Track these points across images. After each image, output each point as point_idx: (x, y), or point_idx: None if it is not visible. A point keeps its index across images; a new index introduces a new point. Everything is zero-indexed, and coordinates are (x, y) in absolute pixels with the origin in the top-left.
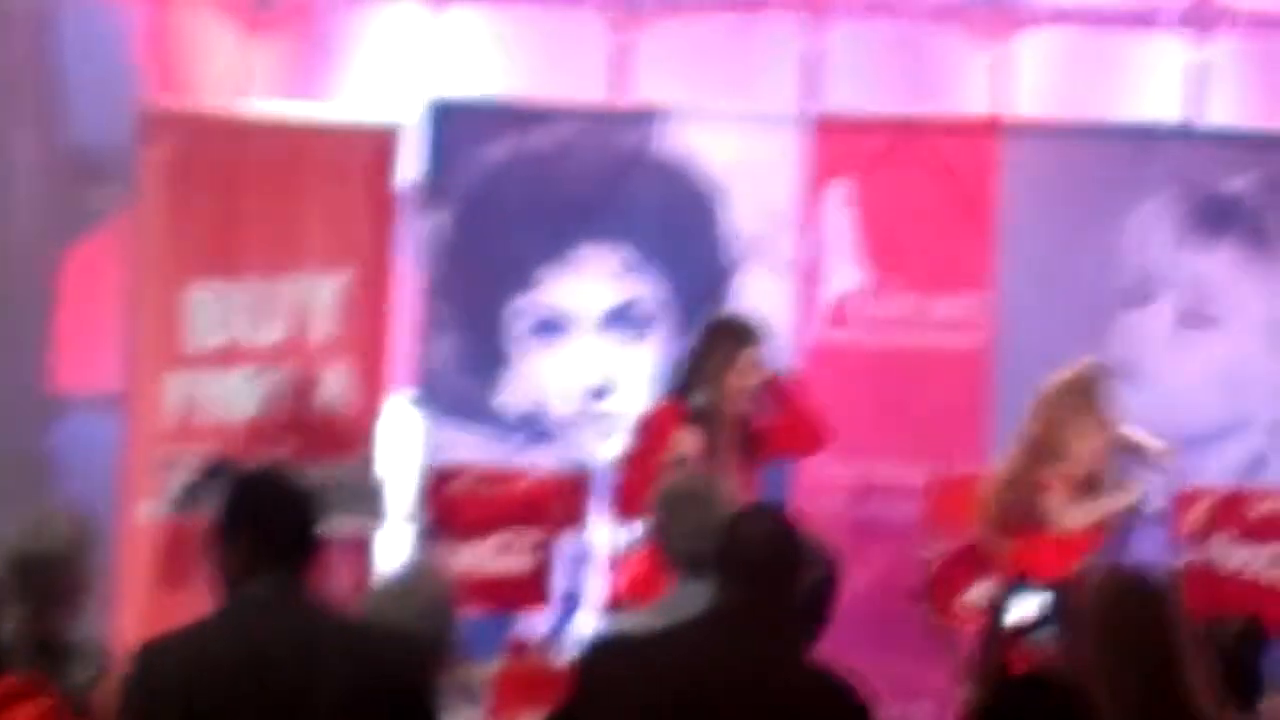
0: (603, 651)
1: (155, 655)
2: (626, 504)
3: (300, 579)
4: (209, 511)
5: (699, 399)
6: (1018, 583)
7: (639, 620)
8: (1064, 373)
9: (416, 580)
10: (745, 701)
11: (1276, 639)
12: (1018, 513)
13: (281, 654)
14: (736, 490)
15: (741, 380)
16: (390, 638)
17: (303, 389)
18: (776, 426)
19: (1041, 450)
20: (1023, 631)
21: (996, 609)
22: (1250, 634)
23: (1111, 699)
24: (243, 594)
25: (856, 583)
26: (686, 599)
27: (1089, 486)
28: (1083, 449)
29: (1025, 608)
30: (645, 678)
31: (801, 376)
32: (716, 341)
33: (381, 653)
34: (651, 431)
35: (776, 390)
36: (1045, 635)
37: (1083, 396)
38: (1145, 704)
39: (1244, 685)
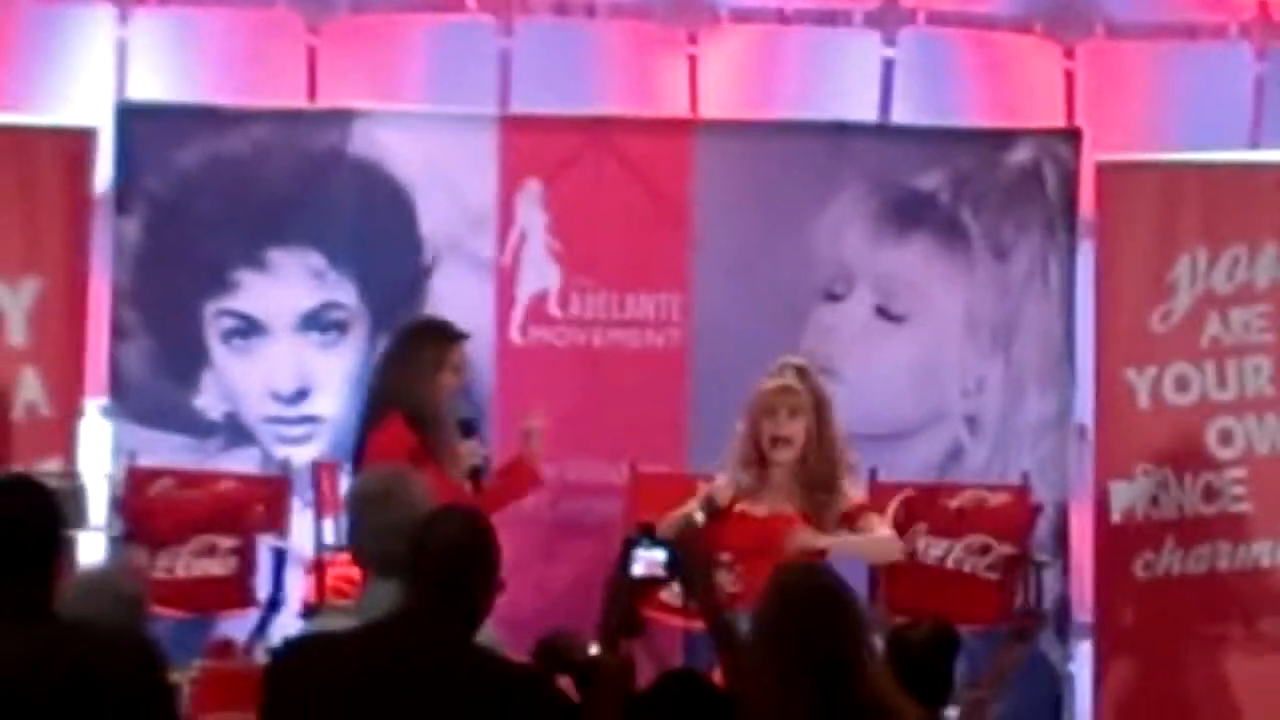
0: (291, 652)
1: None
2: (330, 508)
3: (45, 587)
4: None
5: (414, 401)
6: (642, 535)
7: (334, 621)
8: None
9: (101, 584)
10: (431, 698)
11: (977, 632)
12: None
13: (20, 666)
14: (436, 488)
15: (457, 378)
16: (119, 638)
17: None
18: (498, 476)
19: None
20: (651, 583)
21: (623, 561)
22: (938, 636)
23: (788, 693)
24: None
25: (559, 579)
26: (380, 599)
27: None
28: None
29: (651, 559)
30: (332, 677)
31: (500, 376)
32: (420, 344)
33: (109, 655)
34: (379, 447)
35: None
36: (671, 588)
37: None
38: (824, 699)
39: (932, 687)
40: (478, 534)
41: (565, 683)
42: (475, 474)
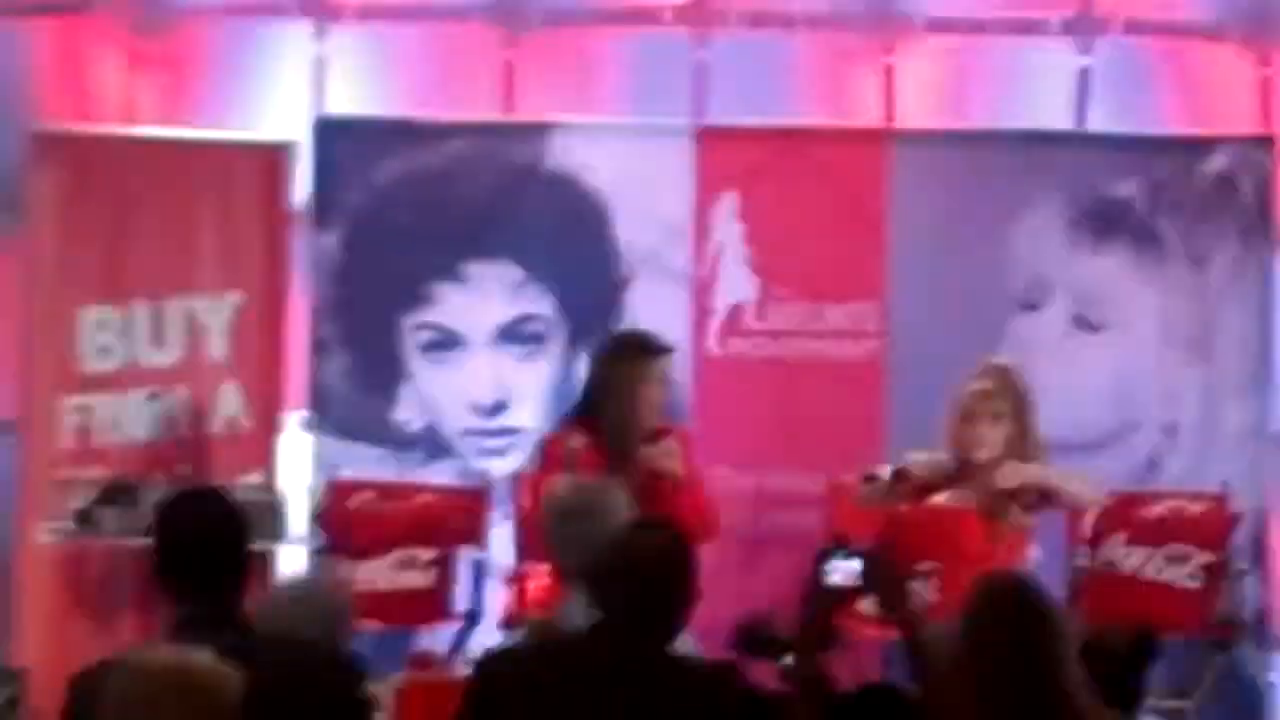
0: (493, 665)
1: (91, 680)
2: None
3: (230, 598)
4: (110, 534)
5: (610, 413)
6: (836, 545)
7: (535, 634)
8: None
9: (309, 593)
10: (634, 708)
11: (1176, 642)
12: None
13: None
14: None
15: (657, 392)
16: (318, 652)
17: (198, 410)
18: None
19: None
20: (845, 594)
21: (817, 571)
22: (1137, 640)
23: (993, 704)
24: (185, 615)
25: (758, 592)
26: (579, 610)
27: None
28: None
29: (846, 570)
30: (534, 690)
31: (698, 388)
32: (623, 355)
33: (321, 671)
34: (554, 453)
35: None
36: (866, 600)
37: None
38: (1028, 710)
39: (1125, 692)
40: (677, 545)
41: (764, 669)
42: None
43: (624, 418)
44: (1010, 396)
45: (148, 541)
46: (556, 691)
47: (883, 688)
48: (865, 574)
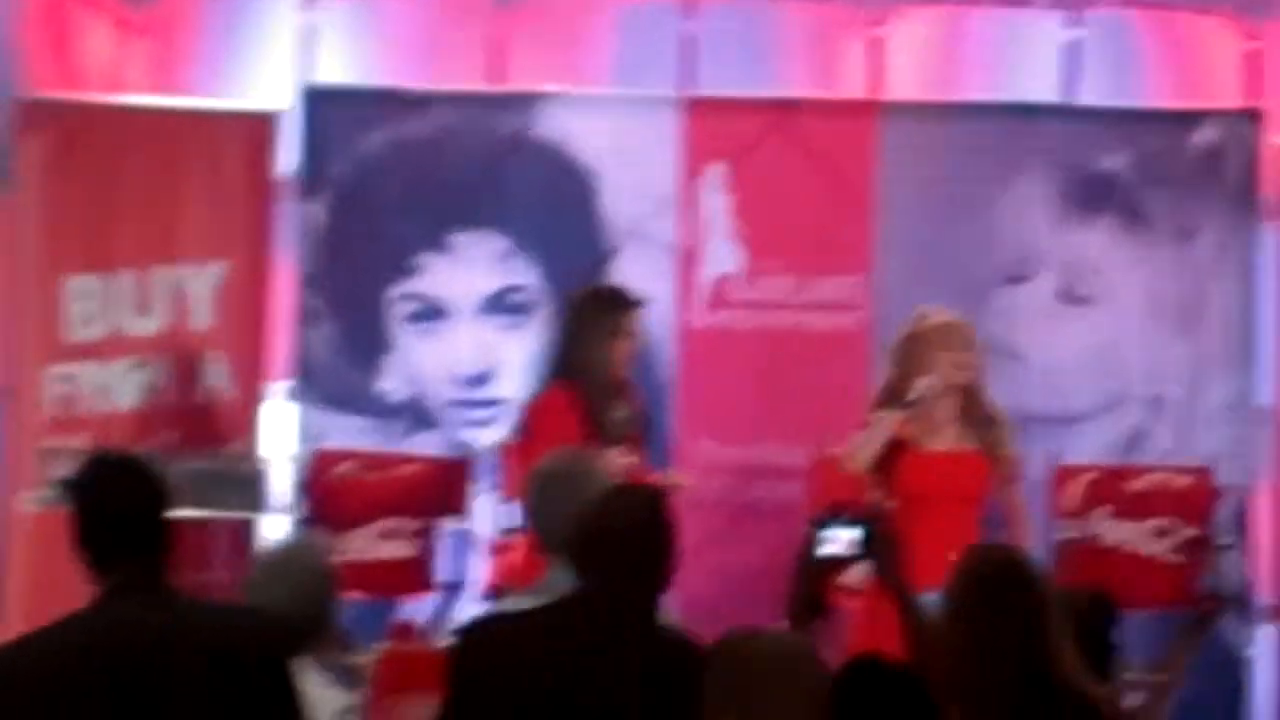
0: (473, 635)
1: (12, 654)
2: (513, 490)
3: (157, 566)
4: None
5: (585, 367)
6: (832, 515)
7: (516, 604)
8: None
9: (292, 559)
10: (615, 675)
11: (1159, 615)
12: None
13: (139, 641)
14: (619, 465)
15: (631, 343)
16: (248, 618)
17: (183, 379)
18: None
19: (894, 396)
20: (837, 564)
21: (810, 542)
22: (1099, 604)
23: (982, 675)
24: (113, 584)
25: (742, 564)
26: (561, 581)
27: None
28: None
29: (839, 541)
30: (515, 659)
31: (683, 359)
32: (595, 311)
33: (238, 634)
34: (537, 416)
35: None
36: (859, 570)
37: (925, 342)
38: (1018, 680)
39: (1098, 655)
40: (656, 513)
41: None
42: (626, 441)
43: (601, 373)
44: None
45: (68, 511)
46: (538, 660)
47: (872, 658)
48: (865, 541)
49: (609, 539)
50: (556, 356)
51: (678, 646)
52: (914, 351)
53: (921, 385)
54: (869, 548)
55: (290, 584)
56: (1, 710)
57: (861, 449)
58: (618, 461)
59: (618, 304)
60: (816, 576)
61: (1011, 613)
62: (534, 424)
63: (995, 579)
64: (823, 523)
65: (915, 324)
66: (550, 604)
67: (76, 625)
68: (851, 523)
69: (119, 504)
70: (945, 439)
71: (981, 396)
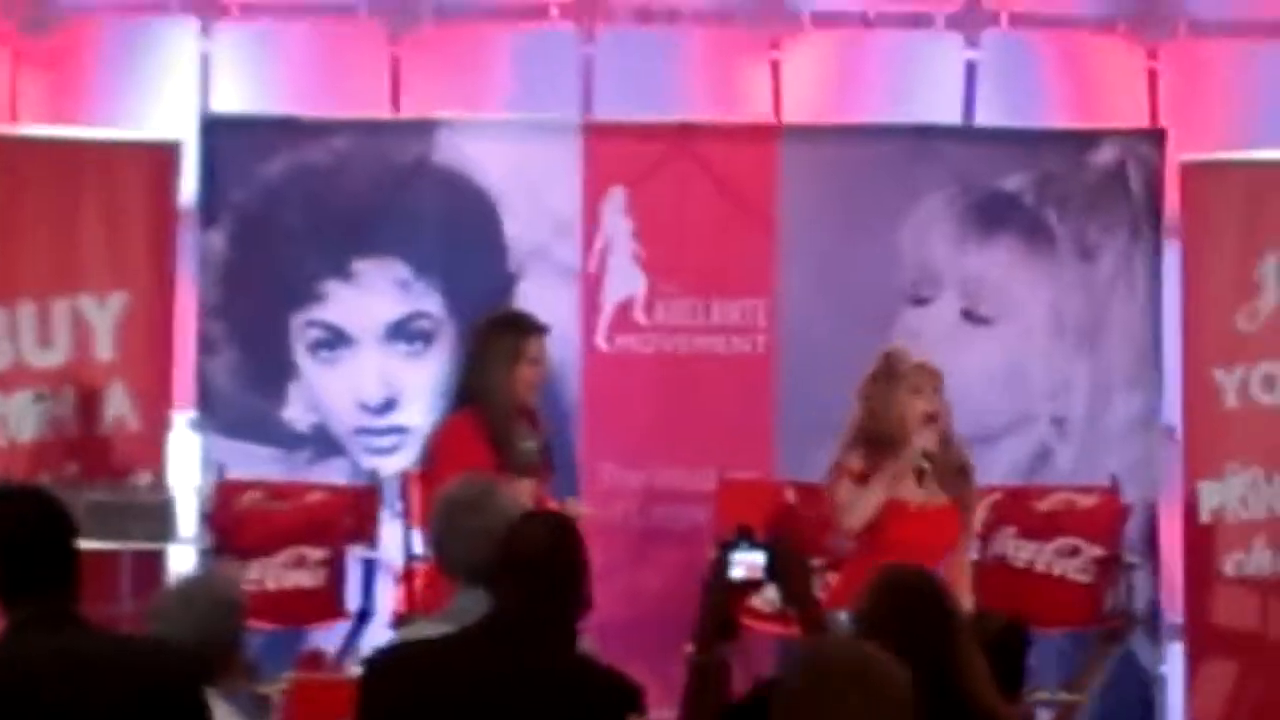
0: (382, 662)
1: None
2: (419, 517)
3: (64, 597)
4: None
5: (488, 393)
6: (740, 537)
7: (424, 630)
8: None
9: (197, 589)
10: (523, 705)
11: (1068, 634)
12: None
13: (48, 673)
14: (524, 493)
15: (535, 369)
16: (159, 649)
17: (86, 410)
18: None
19: (868, 437)
20: (746, 587)
21: (719, 563)
22: (1014, 630)
23: None
24: (22, 618)
25: (649, 587)
26: (469, 606)
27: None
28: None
29: (749, 563)
30: (424, 686)
31: (587, 383)
32: (498, 337)
33: (149, 665)
34: (442, 443)
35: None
36: (769, 593)
37: (897, 384)
38: (928, 695)
39: (1009, 679)
40: (565, 538)
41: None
42: (532, 471)
43: (504, 399)
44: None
45: None
46: (448, 686)
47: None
48: (769, 566)
49: (521, 565)
50: (461, 383)
51: (600, 675)
52: (885, 393)
53: (918, 454)
54: (774, 571)
55: (195, 614)
56: None
57: (854, 511)
58: (525, 490)
59: (520, 329)
60: (726, 600)
61: (922, 628)
62: (439, 451)
63: (905, 595)
64: (730, 545)
65: (886, 364)
66: (460, 630)
67: None
68: (756, 546)
69: (24, 536)
70: (920, 491)
71: (953, 445)
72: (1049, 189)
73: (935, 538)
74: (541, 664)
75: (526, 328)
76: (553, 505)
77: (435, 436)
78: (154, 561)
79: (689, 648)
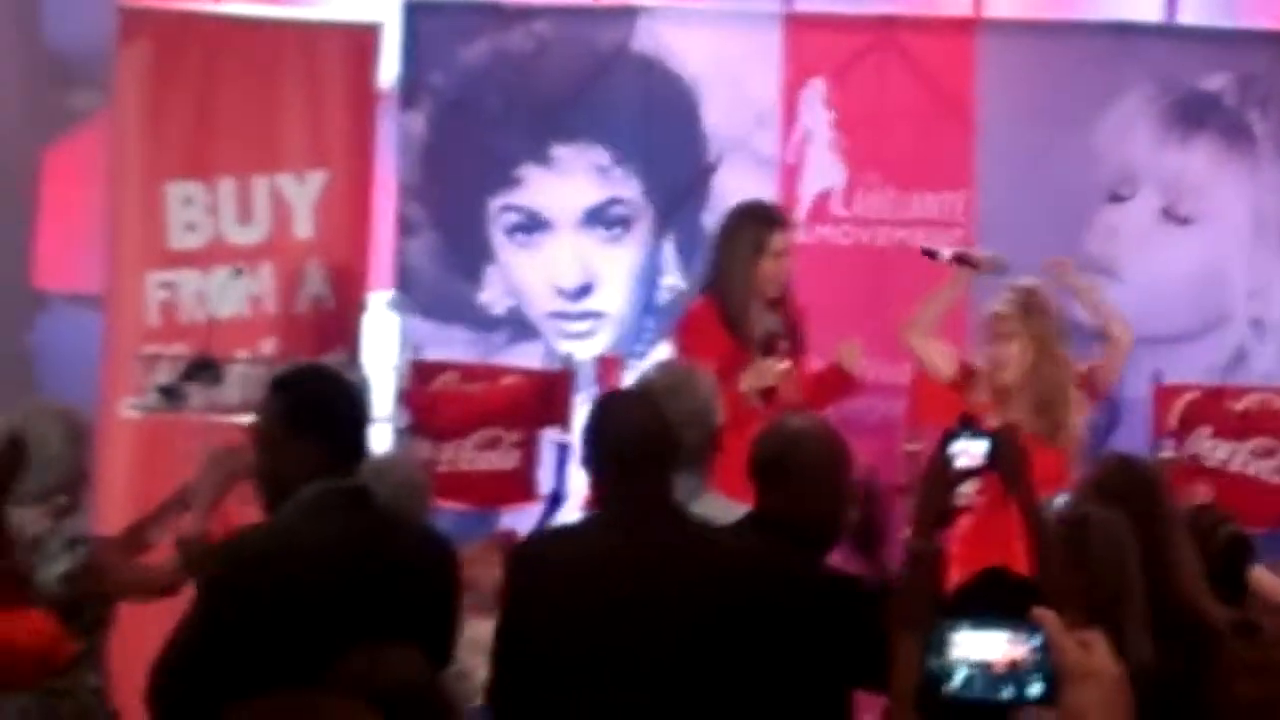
0: (526, 548)
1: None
2: None
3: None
4: (194, 410)
5: (730, 284)
6: (963, 426)
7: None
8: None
9: (389, 468)
10: (652, 583)
11: (1261, 535)
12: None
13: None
14: (769, 373)
15: (778, 262)
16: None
17: (283, 288)
18: (815, 380)
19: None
20: (968, 475)
21: (944, 451)
22: (1240, 541)
23: (1094, 587)
24: (321, 492)
25: None
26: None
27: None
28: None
29: (972, 451)
30: (566, 566)
31: None
32: (742, 228)
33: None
34: (683, 328)
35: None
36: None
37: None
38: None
39: (1234, 588)
40: (649, 413)
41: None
42: (767, 395)
43: (743, 289)
44: (1029, 317)
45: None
46: (575, 567)
47: (997, 570)
48: (991, 454)
49: (610, 445)
50: (708, 269)
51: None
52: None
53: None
54: (996, 459)
55: (386, 492)
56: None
57: (921, 317)
58: (769, 370)
59: (764, 222)
60: (948, 488)
61: (1132, 520)
62: (681, 335)
63: (1117, 488)
64: (953, 434)
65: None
66: (591, 514)
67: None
68: (979, 435)
69: (339, 412)
70: (1001, 416)
71: (1040, 382)
72: (1251, 89)
73: None
74: (650, 534)
75: (770, 221)
76: (818, 368)
77: (679, 320)
78: None
79: (905, 533)
